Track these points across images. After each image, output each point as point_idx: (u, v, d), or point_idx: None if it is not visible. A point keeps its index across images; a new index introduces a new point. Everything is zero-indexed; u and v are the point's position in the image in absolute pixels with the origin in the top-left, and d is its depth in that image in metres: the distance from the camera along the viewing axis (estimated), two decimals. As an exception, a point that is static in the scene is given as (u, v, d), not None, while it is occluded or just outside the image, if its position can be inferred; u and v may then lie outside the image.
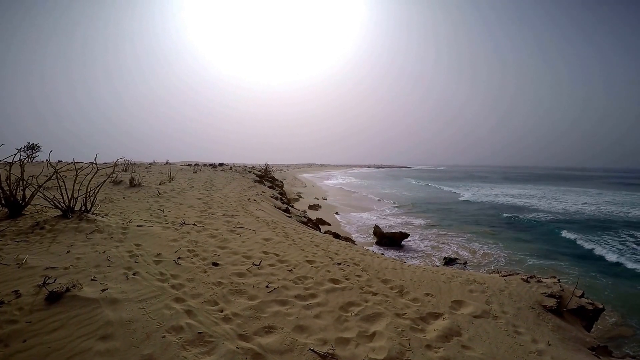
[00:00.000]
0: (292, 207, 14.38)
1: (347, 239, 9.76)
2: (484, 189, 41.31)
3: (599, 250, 11.87)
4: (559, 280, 4.92)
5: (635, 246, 12.58)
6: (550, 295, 4.34)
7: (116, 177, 10.62)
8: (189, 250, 4.61)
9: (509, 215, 19.93)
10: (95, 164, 6.91)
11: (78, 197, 5.99)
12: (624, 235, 14.40)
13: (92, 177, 6.42)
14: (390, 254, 10.30)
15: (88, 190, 6.05)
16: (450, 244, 12.47)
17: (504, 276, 4.89)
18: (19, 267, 3.60)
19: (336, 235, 9.40)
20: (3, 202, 5.90)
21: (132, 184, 10.00)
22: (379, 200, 27.38)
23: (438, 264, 9.77)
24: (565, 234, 14.50)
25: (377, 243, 11.75)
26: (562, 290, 4.52)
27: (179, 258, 4.26)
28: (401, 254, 10.80)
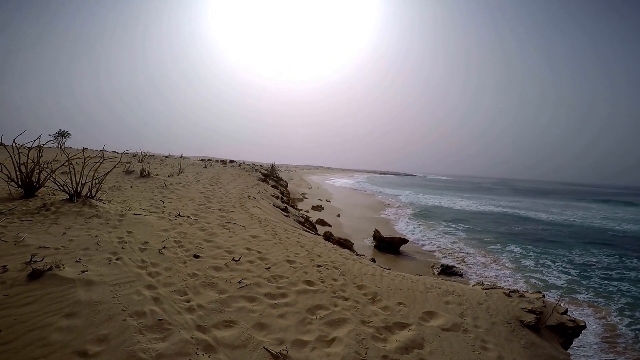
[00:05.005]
0: (294, 206, 14.54)
1: (346, 241, 9.78)
2: (491, 200, 40.84)
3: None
4: (544, 295, 4.82)
5: None
6: (530, 311, 4.27)
7: (129, 167, 11.08)
8: (175, 241, 4.80)
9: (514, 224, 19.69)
10: (103, 153, 7.29)
11: (85, 182, 6.34)
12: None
13: (98, 165, 6.77)
14: (384, 259, 10.26)
15: (94, 177, 6.39)
16: (450, 252, 12.32)
17: (485, 289, 4.83)
18: (15, 244, 3.87)
19: (328, 237, 9.46)
20: (20, 182, 6.34)
21: (142, 174, 10.44)
22: (384, 204, 27.26)
23: (434, 272, 9.66)
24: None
25: (376, 247, 11.75)
26: (545, 306, 4.44)
27: (164, 248, 4.46)
28: (397, 259, 10.75)
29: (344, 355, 2.93)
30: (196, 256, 4.37)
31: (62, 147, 18.48)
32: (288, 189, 22.58)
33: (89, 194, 6.25)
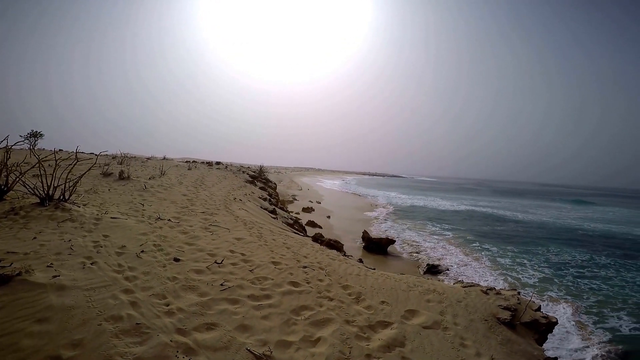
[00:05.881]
0: (283, 208, 14.45)
1: (336, 243, 9.79)
2: (476, 200, 42.06)
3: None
4: (519, 292, 4.95)
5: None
6: (506, 308, 4.37)
7: (107, 169, 10.73)
8: (154, 245, 4.67)
9: (498, 223, 20.28)
10: (76, 154, 7.03)
11: (58, 185, 6.09)
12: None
13: (72, 167, 6.51)
14: (373, 259, 10.34)
15: (67, 180, 6.15)
16: (436, 250, 12.56)
17: (465, 287, 4.92)
18: (-20, 250, 3.68)
19: (317, 239, 9.44)
20: (-15, 186, 6.02)
21: (122, 176, 10.12)
22: (373, 205, 27.51)
23: (420, 271, 9.81)
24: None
25: (365, 247, 11.83)
26: (519, 303, 4.56)
27: (142, 252, 4.33)
28: (385, 259, 10.85)
29: (328, 354, 2.92)
30: (176, 259, 4.26)
31: (34, 148, 17.73)
32: (277, 190, 22.41)
33: (62, 197, 6.01)
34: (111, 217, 5.63)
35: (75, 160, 6.64)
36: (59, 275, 3.25)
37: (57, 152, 7.45)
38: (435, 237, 15.53)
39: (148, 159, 22.81)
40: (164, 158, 27.14)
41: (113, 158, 16.44)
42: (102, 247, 4.29)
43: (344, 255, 7.11)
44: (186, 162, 24.76)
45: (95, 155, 14.27)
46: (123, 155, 16.75)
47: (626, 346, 6.32)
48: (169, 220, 6.17)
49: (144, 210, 6.68)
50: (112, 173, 10.45)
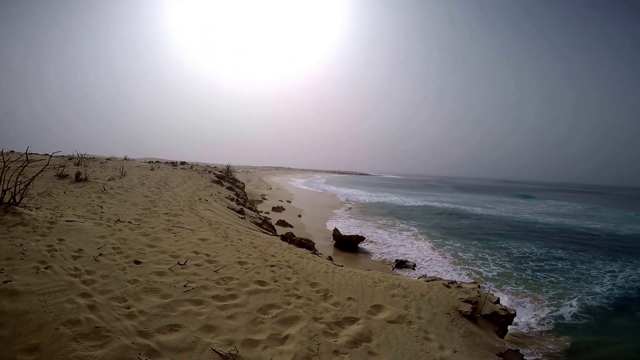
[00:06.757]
0: (252, 208, 14.28)
1: (307, 241, 9.83)
2: (440, 196, 43.94)
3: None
4: (479, 285, 5.20)
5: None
6: (467, 301, 4.57)
7: (63, 170, 10.11)
8: (114, 248, 4.49)
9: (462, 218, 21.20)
10: (27, 155, 6.60)
11: (8, 188, 5.69)
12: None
13: (22, 169, 6.11)
14: (344, 257, 10.49)
15: (17, 182, 5.77)
16: (404, 247, 12.90)
17: (428, 281, 5.10)
18: None
19: (286, 238, 9.44)
20: None
21: (78, 178, 9.59)
22: (343, 203, 27.81)
23: (390, 267, 10.04)
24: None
25: (336, 245, 11.95)
26: (479, 295, 4.78)
27: (100, 255, 4.15)
28: (355, 256, 11.01)
29: (296, 352, 2.95)
30: (137, 262, 4.12)
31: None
32: (246, 190, 22.06)
33: (12, 201, 5.62)
34: (66, 221, 5.34)
35: (26, 162, 6.23)
36: (10, 281, 3.08)
37: (6, 154, 6.94)
38: (403, 233, 15.94)
39: (108, 159, 21.73)
40: (125, 158, 25.99)
41: (69, 159, 15.50)
42: (57, 251, 4.08)
43: (314, 253, 7.15)
44: (149, 162, 23.84)
45: (49, 156, 13.41)
46: (80, 156, 15.84)
47: (577, 337, 6.62)
48: (129, 222, 5.93)
49: (102, 212, 6.38)
50: (68, 175, 9.88)
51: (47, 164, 8.24)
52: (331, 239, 12.59)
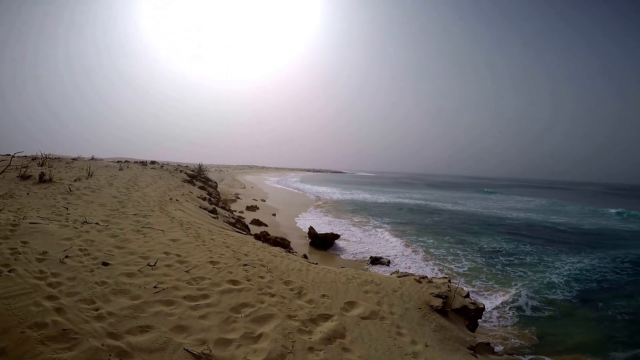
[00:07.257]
0: (226, 208, 14.03)
1: (282, 240, 9.78)
2: (412, 193, 45.21)
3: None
4: (449, 280, 5.37)
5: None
6: (438, 296, 4.71)
7: (26, 171, 9.55)
8: (80, 250, 4.30)
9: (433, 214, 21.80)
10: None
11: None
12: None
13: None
14: (319, 255, 10.53)
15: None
16: (378, 243, 13.11)
17: (400, 277, 5.22)
18: None
19: (260, 237, 9.36)
20: None
21: (42, 179, 9.10)
22: (318, 200, 27.90)
23: (364, 264, 10.17)
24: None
25: (312, 244, 11.95)
26: (450, 290, 4.93)
27: (66, 257, 3.97)
28: (331, 254, 11.08)
29: (270, 349, 2.94)
30: (105, 264, 3.97)
31: None
32: (219, 189, 21.64)
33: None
34: (30, 223, 5.06)
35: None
36: (-31, 285, 2.89)
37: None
38: (377, 230, 16.17)
39: (74, 159, 20.70)
40: (93, 158, 24.86)
41: (33, 159, 14.64)
42: (20, 253, 3.89)
43: (289, 251, 7.14)
44: (117, 162, 22.93)
45: (11, 156, 12.58)
46: (44, 156, 14.99)
47: (545, 329, 6.86)
48: (96, 223, 5.69)
49: (68, 214, 6.08)
50: (31, 175, 9.34)
51: (9, 165, 7.76)
52: (307, 237, 12.60)
